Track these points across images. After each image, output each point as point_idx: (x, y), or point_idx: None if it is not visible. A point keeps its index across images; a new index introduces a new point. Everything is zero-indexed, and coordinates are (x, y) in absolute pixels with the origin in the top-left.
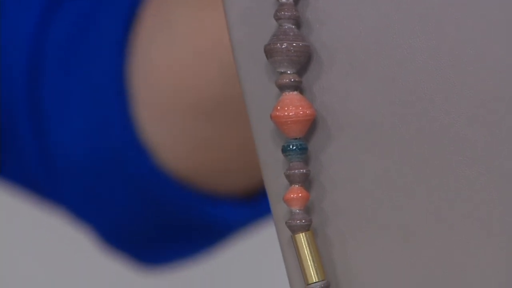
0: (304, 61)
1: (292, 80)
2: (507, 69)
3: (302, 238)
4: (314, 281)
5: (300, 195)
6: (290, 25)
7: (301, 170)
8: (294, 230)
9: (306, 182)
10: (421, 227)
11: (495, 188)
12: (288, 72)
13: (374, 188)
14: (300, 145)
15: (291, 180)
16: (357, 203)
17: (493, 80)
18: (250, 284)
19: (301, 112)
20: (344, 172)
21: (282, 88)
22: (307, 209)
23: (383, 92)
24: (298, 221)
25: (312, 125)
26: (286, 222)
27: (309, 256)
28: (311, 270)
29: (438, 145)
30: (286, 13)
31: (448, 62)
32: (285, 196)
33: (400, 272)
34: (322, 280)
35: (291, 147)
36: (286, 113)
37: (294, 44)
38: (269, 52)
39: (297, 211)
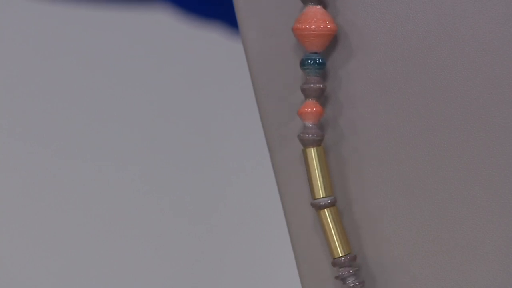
0: None
1: None
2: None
3: (312, 152)
4: (321, 196)
5: (314, 109)
6: None
7: (318, 85)
8: (305, 144)
9: (322, 97)
10: (437, 144)
11: (496, 142)
12: None
13: (393, 107)
14: (319, 60)
15: (306, 94)
16: (373, 121)
17: (494, 36)
18: (245, 207)
19: (322, 26)
20: (361, 90)
21: (306, 1)
22: (321, 125)
23: (408, 10)
24: (310, 135)
25: (332, 41)
26: (298, 136)
27: (318, 171)
28: (319, 186)
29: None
30: None
31: (450, 16)
32: (299, 109)
33: (412, 191)
34: (329, 196)
35: (309, 61)
36: (307, 26)
37: None
38: None
39: (310, 125)
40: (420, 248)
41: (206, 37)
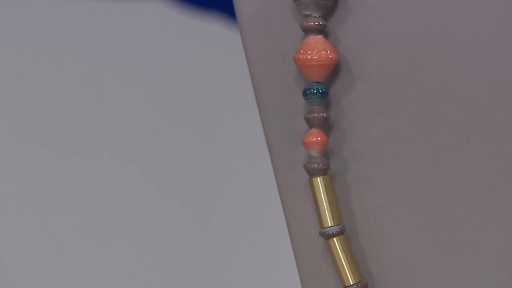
0: (330, 5)
1: (317, 23)
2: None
3: (319, 181)
4: (330, 225)
5: (319, 138)
6: None
7: (321, 114)
8: (311, 173)
9: (326, 126)
10: (437, 144)
11: (496, 142)
12: (314, 15)
13: (396, 134)
14: (322, 89)
15: (310, 123)
16: (373, 122)
17: (494, 36)
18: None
19: (324, 56)
20: (365, 118)
21: (307, 31)
22: (326, 154)
23: (408, 10)
24: (315, 165)
25: (334, 70)
26: (304, 165)
27: (325, 200)
28: (327, 214)
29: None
30: None
31: (450, 16)
32: (304, 139)
33: (412, 191)
34: (338, 225)
35: (312, 90)
36: (309, 56)
37: None
38: None
39: (316, 155)
40: (420, 248)
41: (206, 28)
